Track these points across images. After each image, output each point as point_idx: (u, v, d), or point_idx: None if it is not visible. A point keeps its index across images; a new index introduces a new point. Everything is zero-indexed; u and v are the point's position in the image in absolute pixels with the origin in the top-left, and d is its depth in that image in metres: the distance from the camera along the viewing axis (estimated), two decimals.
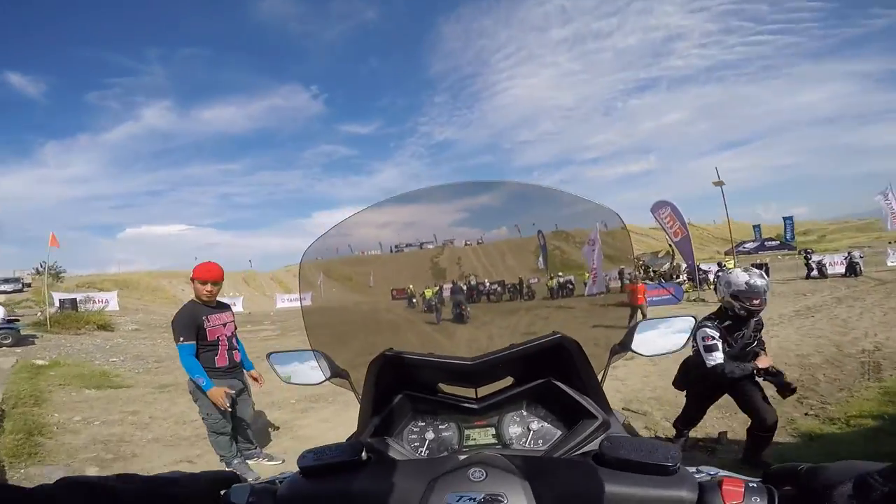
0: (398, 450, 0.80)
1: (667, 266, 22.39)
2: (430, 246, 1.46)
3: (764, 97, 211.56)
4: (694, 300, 16.56)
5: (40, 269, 34.56)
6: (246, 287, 45.39)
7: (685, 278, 20.45)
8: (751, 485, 0.56)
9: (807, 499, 0.51)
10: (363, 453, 0.66)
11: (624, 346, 0.96)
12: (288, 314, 23.13)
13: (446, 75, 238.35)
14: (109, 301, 23.38)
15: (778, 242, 37.49)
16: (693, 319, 1.02)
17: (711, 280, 18.17)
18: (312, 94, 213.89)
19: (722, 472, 0.61)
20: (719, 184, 19.45)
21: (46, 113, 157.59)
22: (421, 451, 0.84)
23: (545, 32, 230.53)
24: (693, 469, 0.62)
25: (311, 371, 1.00)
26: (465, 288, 1.51)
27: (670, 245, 20.25)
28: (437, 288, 1.49)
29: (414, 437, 0.86)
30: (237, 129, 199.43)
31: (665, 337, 0.98)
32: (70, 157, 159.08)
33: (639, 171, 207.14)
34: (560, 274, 1.61)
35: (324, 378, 0.98)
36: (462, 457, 0.63)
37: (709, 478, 0.59)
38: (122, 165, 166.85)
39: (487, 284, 1.64)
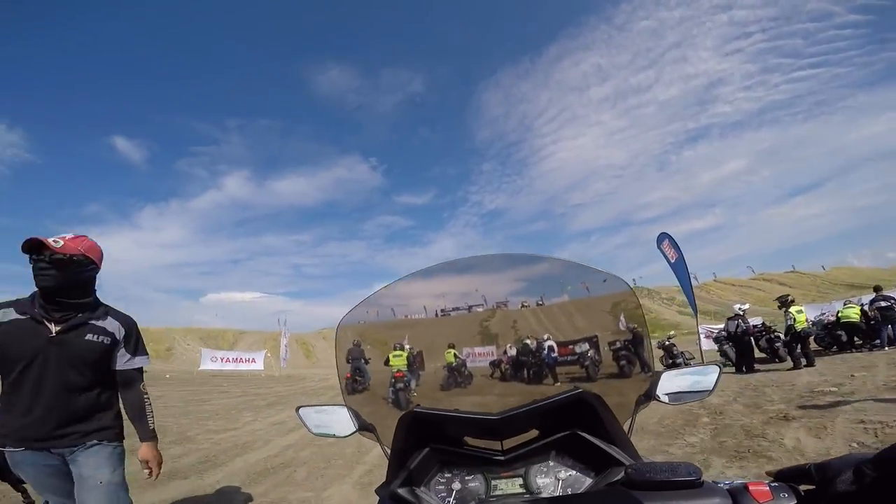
0: (427, 500, 0.83)
1: None
2: (480, 309, 1.38)
3: (824, 135, 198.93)
4: None
5: None
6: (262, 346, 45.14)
7: None
8: (774, 486, 0.61)
9: (822, 492, 0.57)
10: None
11: (648, 395, 0.99)
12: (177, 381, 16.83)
13: (492, 143, 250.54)
14: None
15: None
16: (718, 367, 1.04)
17: None
18: (371, 165, 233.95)
19: (738, 480, 0.64)
20: None
21: (146, 177, 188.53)
22: (448, 502, 0.86)
23: (584, 92, 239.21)
24: (711, 481, 0.64)
25: (340, 424, 1.05)
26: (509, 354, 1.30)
27: None
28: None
29: (441, 487, 0.89)
30: (306, 200, 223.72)
31: (689, 385, 1.00)
32: (163, 222, 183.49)
33: (706, 227, 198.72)
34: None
35: (352, 431, 1.04)
36: None
37: (732, 486, 0.62)
38: (208, 232, 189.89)
39: (556, 349, 1.31)
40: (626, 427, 0.93)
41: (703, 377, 1.00)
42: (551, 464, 0.88)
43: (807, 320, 10.69)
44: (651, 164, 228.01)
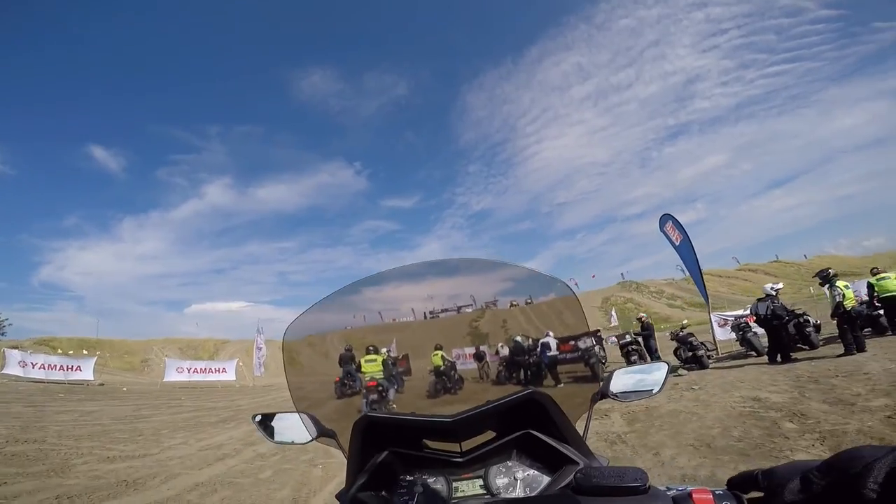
0: None
1: None
2: (469, 310, 1.34)
3: (800, 128, 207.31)
4: None
5: None
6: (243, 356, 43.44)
7: None
8: (718, 493, 0.63)
9: (768, 500, 0.57)
10: None
11: (602, 393, 1.03)
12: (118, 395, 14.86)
13: (477, 144, 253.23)
14: None
15: None
16: (667, 365, 1.08)
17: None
18: (356, 170, 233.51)
19: (689, 487, 0.65)
20: None
21: (125, 187, 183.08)
22: None
23: (566, 91, 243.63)
24: (663, 487, 0.67)
25: (298, 432, 1.05)
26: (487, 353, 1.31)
27: None
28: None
29: (403, 491, 0.89)
30: (289, 207, 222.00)
31: (639, 383, 1.04)
32: (143, 234, 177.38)
33: (688, 221, 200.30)
34: None
35: (311, 438, 1.04)
36: None
37: (677, 492, 0.65)
38: (190, 243, 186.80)
39: (552, 347, 1.28)
40: (583, 424, 0.97)
41: (652, 375, 1.03)
42: (510, 464, 0.90)
43: (855, 297, 9.09)
44: (633, 161, 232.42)
